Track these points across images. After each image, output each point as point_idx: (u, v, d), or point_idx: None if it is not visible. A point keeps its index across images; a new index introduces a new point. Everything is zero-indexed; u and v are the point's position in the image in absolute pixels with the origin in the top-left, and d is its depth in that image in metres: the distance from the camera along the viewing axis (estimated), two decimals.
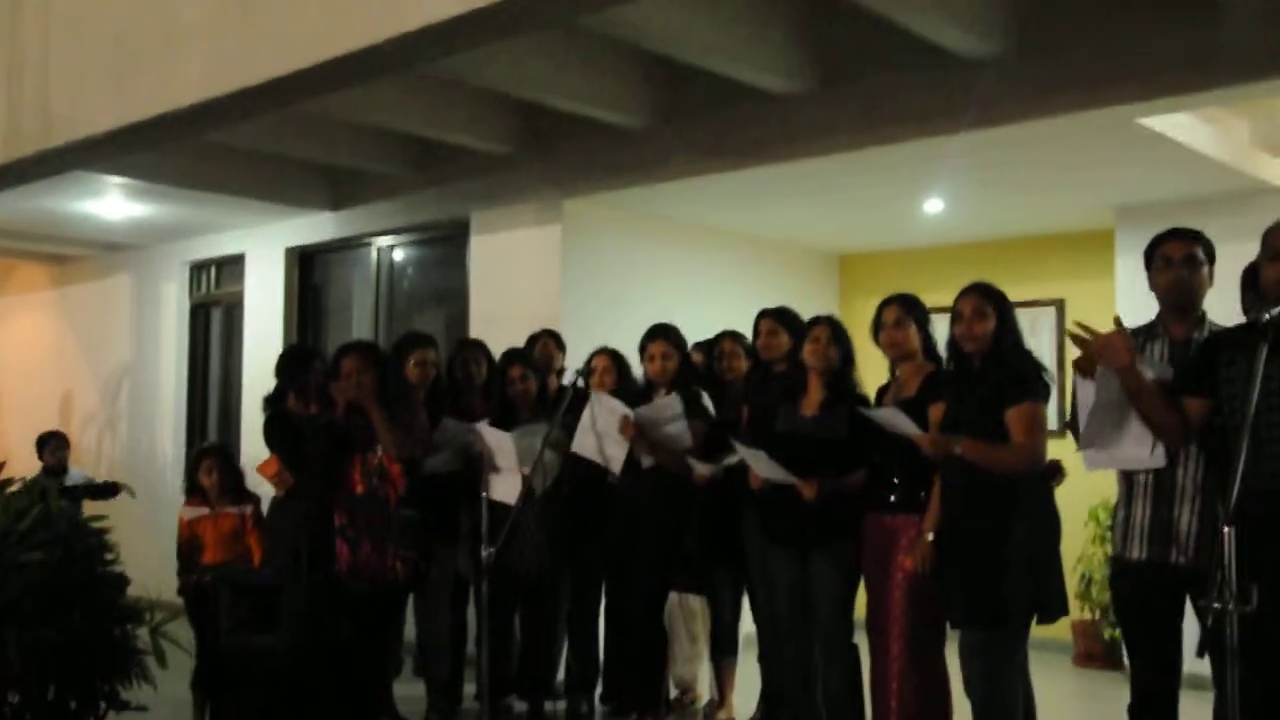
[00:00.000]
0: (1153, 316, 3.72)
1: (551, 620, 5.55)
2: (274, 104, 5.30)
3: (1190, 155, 5.59)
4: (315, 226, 8.07)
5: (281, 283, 8.39)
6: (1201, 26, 4.33)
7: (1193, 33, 4.36)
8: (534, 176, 6.61)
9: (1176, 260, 3.58)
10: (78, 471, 6.49)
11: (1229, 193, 6.15)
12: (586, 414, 5.02)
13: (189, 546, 5.33)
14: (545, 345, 5.79)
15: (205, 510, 5.31)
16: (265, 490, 5.77)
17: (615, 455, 4.96)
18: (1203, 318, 3.61)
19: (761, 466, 4.51)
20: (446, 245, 7.60)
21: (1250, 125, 6.07)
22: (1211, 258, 3.63)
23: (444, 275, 7.75)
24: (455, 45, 4.59)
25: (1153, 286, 3.67)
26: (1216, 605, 2.63)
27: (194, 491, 5.41)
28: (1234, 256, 3.74)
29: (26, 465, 9.16)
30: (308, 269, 8.43)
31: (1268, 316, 2.97)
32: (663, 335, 5.11)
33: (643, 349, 5.15)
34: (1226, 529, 2.60)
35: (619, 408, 4.95)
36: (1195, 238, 3.62)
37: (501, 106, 6.20)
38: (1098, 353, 3.39)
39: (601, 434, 4.98)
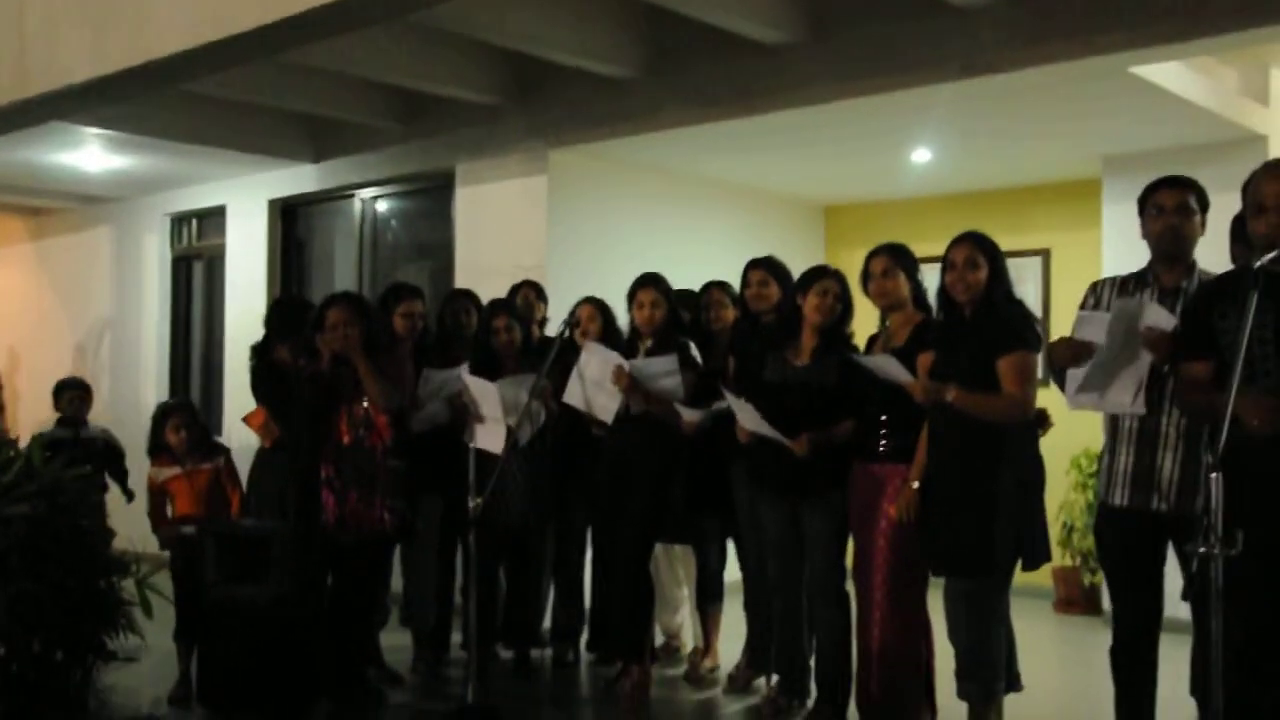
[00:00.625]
0: (1144, 264, 3.72)
1: (537, 569, 5.58)
2: (256, 54, 5.22)
3: (1180, 104, 5.58)
4: (298, 178, 7.99)
5: (264, 235, 8.32)
6: None
7: None
8: (520, 127, 6.55)
9: (1169, 208, 3.57)
10: (96, 426, 6.28)
11: (1217, 142, 6.15)
12: (578, 363, 5.00)
13: (160, 505, 5.24)
14: (526, 296, 5.77)
15: (176, 469, 5.22)
16: (235, 440, 5.74)
17: (606, 405, 4.95)
18: (1193, 266, 3.61)
19: (749, 419, 4.51)
20: (431, 197, 7.55)
21: (1239, 75, 6.06)
22: (1204, 206, 3.62)
23: (429, 227, 7.70)
24: None
25: (1145, 234, 3.66)
26: (1202, 550, 2.65)
27: (160, 450, 5.30)
28: (1222, 206, 3.73)
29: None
30: (290, 221, 8.36)
31: (1257, 265, 2.97)
32: (652, 283, 5.09)
33: (631, 296, 5.12)
34: (1214, 475, 2.61)
35: (613, 357, 4.93)
36: (1188, 186, 3.61)
37: (487, 57, 6.13)
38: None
39: (593, 383, 4.96)
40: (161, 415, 5.32)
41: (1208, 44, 4.86)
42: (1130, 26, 4.53)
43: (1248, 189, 3.21)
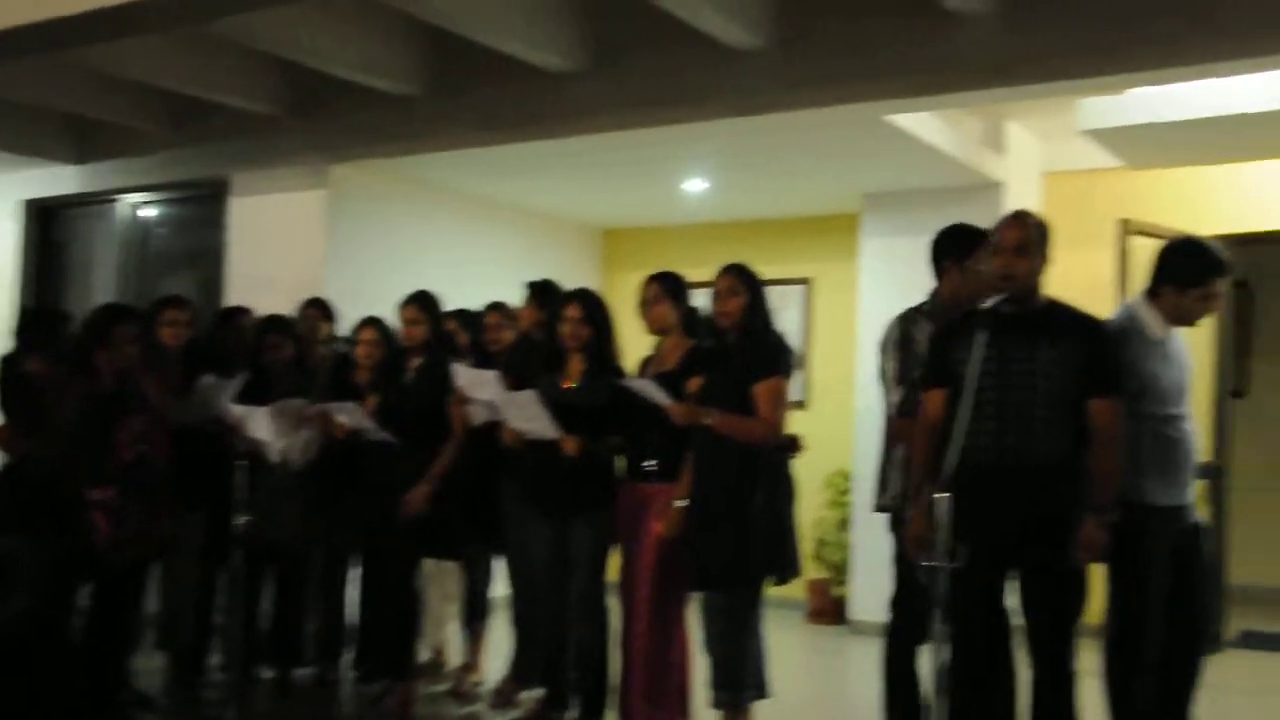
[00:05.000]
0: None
1: (302, 589, 5.51)
2: (22, 53, 5.00)
3: (928, 150, 6.05)
4: (56, 179, 7.63)
5: (16, 238, 7.90)
6: (941, 36, 4.65)
7: (935, 40, 4.67)
8: (298, 139, 6.45)
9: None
10: None
11: (961, 186, 6.66)
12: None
13: None
14: (310, 315, 5.62)
15: None
16: None
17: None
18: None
19: (519, 415, 4.58)
20: (203, 205, 7.32)
21: (981, 125, 6.60)
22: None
23: (199, 237, 7.44)
24: (222, 8, 4.47)
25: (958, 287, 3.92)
26: (931, 564, 2.92)
27: None
28: None
29: None
30: (47, 224, 7.96)
31: (985, 307, 3.29)
32: (415, 301, 5.12)
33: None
34: (940, 495, 2.89)
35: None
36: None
37: (265, 66, 6.03)
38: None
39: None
40: None
41: (953, 98, 5.30)
42: (882, 79, 4.88)
43: (992, 232, 3.58)
